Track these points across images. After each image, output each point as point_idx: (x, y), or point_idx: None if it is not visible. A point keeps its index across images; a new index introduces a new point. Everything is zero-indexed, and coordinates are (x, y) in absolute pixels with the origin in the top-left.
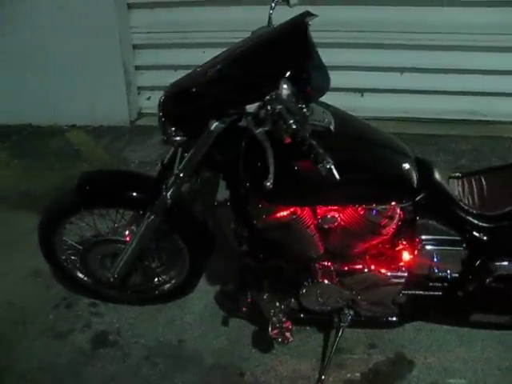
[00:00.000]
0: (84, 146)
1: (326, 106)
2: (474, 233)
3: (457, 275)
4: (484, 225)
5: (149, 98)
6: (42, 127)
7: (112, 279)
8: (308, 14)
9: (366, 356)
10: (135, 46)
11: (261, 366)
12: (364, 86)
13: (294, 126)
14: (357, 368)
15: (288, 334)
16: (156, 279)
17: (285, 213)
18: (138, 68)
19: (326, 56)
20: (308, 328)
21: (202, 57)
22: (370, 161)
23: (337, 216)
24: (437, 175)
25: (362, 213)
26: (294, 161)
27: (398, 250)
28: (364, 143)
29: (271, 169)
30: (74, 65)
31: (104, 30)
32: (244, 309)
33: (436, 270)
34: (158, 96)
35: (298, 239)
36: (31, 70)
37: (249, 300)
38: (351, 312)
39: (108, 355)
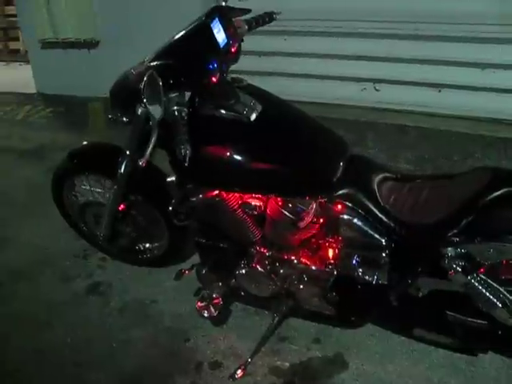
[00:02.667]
0: None
1: (265, 96)
2: (395, 240)
3: (381, 282)
4: (406, 233)
5: None
6: None
7: (101, 237)
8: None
9: (304, 349)
10: None
11: (206, 337)
12: (441, 81)
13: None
14: (289, 358)
15: (212, 309)
16: (140, 245)
17: (210, 195)
18: None
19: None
20: (267, 313)
21: (283, 44)
22: (285, 152)
23: (258, 204)
24: (368, 174)
25: (280, 204)
26: (208, 146)
27: (325, 247)
28: (286, 134)
29: (147, 150)
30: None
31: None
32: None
33: (360, 274)
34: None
35: (228, 222)
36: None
37: (183, 272)
38: (289, 302)
39: (92, 302)
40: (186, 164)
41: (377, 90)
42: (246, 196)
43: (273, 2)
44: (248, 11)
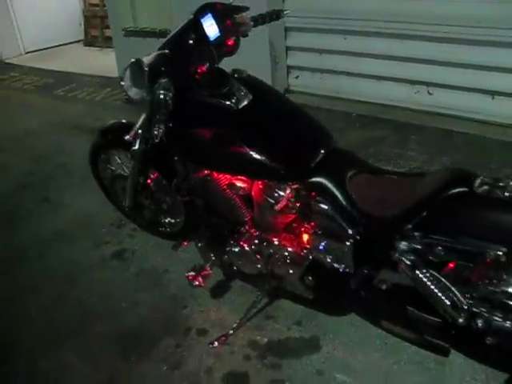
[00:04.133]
0: None
1: (260, 88)
2: (359, 231)
3: (348, 271)
4: (367, 224)
5: (297, 77)
6: None
7: (126, 208)
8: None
9: (285, 329)
10: (287, 29)
11: (201, 306)
12: (495, 87)
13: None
14: (269, 335)
15: (201, 280)
16: (161, 218)
17: (203, 174)
18: (289, 49)
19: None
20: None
21: (343, 43)
22: (265, 138)
23: (244, 186)
24: (344, 167)
25: (261, 187)
26: (196, 129)
27: (302, 232)
28: (269, 123)
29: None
30: None
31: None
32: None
33: (329, 260)
34: (306, 76)
35: (220, 200)
36: None
37: (181, 243)
38: (272, 282)
39: (115, 266)
40: (156, 141)
41: (430, 94)
42: (234, 177)
43: (335, 2)
44: (246, 9)
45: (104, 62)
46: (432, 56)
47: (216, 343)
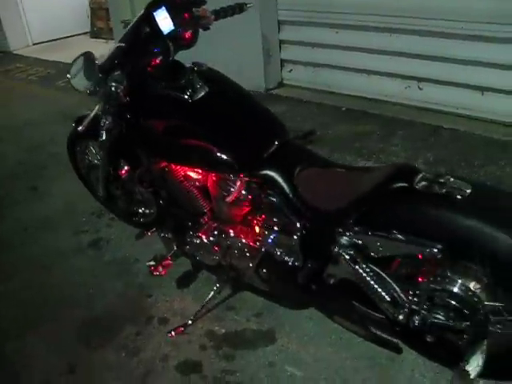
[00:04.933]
0: None
1: (218, 81)
2: (305, 224)
3: (296, 264)
4: (312, 218)
5: (290, 71)
6: None
7: (100, 196)
8: None
9: (244, 320)
10: (281, 22)
11: (166, 296)
12: (485, 84)
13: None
14: (227, 326)
15: (161, 269)
16: (134, 208)
17: (161, 165)
18: (282, 42)
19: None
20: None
21: (335, 37)
22: (215, 130)
23: (199, 177)
24: (295, 160)
25: (214, 178)
26: (150, 120)
27: (255, 225)
28: (222, 115)
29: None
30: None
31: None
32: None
33: (278, 253)
34: (299, 70)
35: (178, 191)
36: None
37: (145, 232)
38: (231, 274)
39: (90, 254)
40: (103, 132)
41: (420, 89)
42: (189, 169)
43: None
44: (203, 2)
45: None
46: (423, 51)
47: (173, 333)
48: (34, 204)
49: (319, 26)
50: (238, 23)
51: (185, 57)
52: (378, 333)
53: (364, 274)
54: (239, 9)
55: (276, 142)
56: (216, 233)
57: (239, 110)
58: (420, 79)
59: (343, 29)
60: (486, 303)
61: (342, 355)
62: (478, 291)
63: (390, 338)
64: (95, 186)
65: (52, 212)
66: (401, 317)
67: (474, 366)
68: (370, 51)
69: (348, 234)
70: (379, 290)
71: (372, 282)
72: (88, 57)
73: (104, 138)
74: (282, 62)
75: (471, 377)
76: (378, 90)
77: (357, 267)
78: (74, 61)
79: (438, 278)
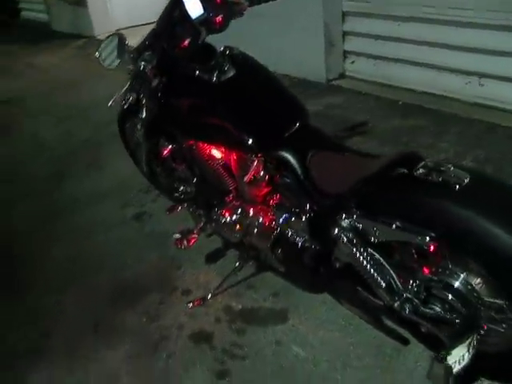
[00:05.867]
0: None
1: (247, 64)
2: (313, 206)
3: (306, 245)
4: (319, 201)
5: (353, 62)
6: None
7: (144, 172)
8: None
9: (261, 299)
10: (345, 13)
11: (194, 269)
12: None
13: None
14: (244, 302)
15: (185, 243)
16: (175, 185)
17: (189, 143)
18: (346, 33)
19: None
20: (251, 263)
21: (397, 29)
22: (238, 110)
23: (221, 156)
24: (311, 143)
25: (235, 157)
26: (179, 99)
27: (271, 205)
28: (245, 96)
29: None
30: (284, 25)
31: None
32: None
33: (290, 234)
34: (361, 62)
35: (205, 169)
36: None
37: (176, 207)
38: (251, 253)
39: (132, 226)
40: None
41: (481, 85)
42: (213, 147)
43: None
44: None
45: None
46: (486, 45)
47: (191, 304)
48: (90, 178)
49: (382, 17)
50: (301, 13)
51: (247, 44)
52: (381, 320)
53: (361, 258)
54: None
55: (295, 125)
56: (238, 211)
57: (262, 92)
58: (482, 75)
59: (405, 21)
60: (485, 299)
61: (348, 340)
62: (477, 286)
63: (391, 325)
64: (140, 162)
65: (104, 186)
66: (396, 304)
67: (457, 358)
68: (431, 44)
69: (349, 217)
70: (375, 274)
71: (369, 267)
72: (121, 37)
73: (144, 115)
74: (345, 53)
75: (454, 370)
76: (438, 84)
77: (354, 250)
78: (104, 41)
79: (439, 270)
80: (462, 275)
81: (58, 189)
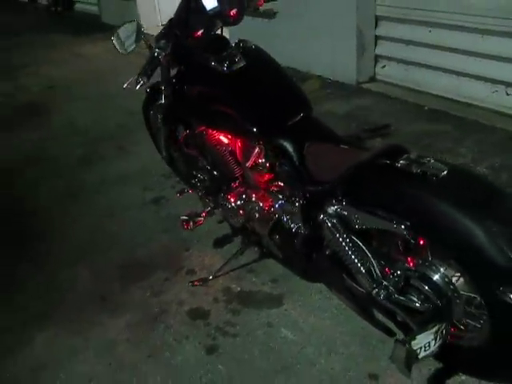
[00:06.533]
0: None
1: (258, 57)
2: (305, 193)
3: (300, 231)
4: (310, 188)
5: (383, 67)
6: (300, 72)
7: (163, 157)
8: None
9: (260, 283)
10: (378, 17)
11: (201, 251)
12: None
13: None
14: (243, 285)
15: (191, 225)
16: (193, 172)
17: (200, 128)
18: (379, 38)
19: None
20: (256, 249)
21: (428, 35)
22: (243, 100)
23: (228, 142)
24: (310, 134)
25: (239, 144)
26: (189, 86)
27: (271, 191)
28: (252, 87)
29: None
30: (320, 27)
31: (343, 2)
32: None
33: (285, 220)
34: (392, 66)
35: (213, 154)
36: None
37: (187, 191)
38: (253, 237)
39: (150, 209)
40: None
41: (508, 95)
42: (222, 134)
43: None
44: None
45: None
46: None
47: (194, 283)
48: (117, 162)
49: (414, 23)
50: (335, 15)
51: (285, 43)
52: (364, 308)
53: (343, 243)
54: None
55: (297, 116)
56: (242, 197)
57: (269, 83)
58: (509, 84)
59: (436, 27)
60: (462, 293)
61: (337, 329)
62: (455, 280)
63: (377, 315)
64: (161, 147)
65: (129, 170)
66: (374, 291)
67: (422, 345)
68: (461, 52)
69: (335, 204)
70: (356, 260)
71: (350, 252)
72: (138, 25)
73: (163, 101)
74: (377, 57)
75: (420, 356)
76: (465, 92)
77: (337, 235)
78: (121, 27)
79: (420, 262)
80: (441, 268)
81: (87, 170)
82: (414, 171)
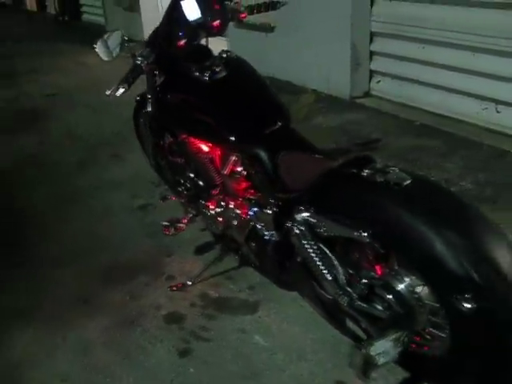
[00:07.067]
0: (302, 105)
1: (239, 67)
2: (277, 201)
3: (274, 239)
4: (282, 197)
5: (378, 82)
6: (296, 85)
7: (151, 165)
8: None
9: (237, 290)
10: (373, 33)
11: (182, 258)
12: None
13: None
14: (221, 292)
15: (172, 231)
16: (179, 179)
17: (182, 136)
18: (374, 53)
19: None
20: (236, 257)
21: (421, 52)
22: (221, 109)
23: (208, 150)
24: (286, 143)
25: (218, 152)
26: (170, 94)
27: (247, 200)
28: (230, 96)
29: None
30: (315, 41)
31: (338, 18)
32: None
33: (259, 228)
34: (386, 82)
35: (194, 162)
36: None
37: (170, 197)
38: (232, 245)
39: (137, 215)
40: (107, 93)
41: (498, 112)
42: (201, 142)
43: (418, 10)
44: None
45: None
46: (505, 73)
47: (172, 288)
48: (111, 168)
49: (408, 39)
50: (329, 31)
51: (281, 55)
52: (332, 315)
53: (310, 251)
54: (272, 6)
55: (274, 126)
56: (221, 205)
57: (248, 93)
58: (499, 102)
59: (429, 44)
60: (426, 302)
61: (308, 336)
62: (419, 289)
63: (347, 323)
64: (148, 155)
65: (123, 176)
66: (339, 298)
67: (380, 351)
68: (452, 69)
69: (303, 211)
70: (322, 267)
71: (316, 260)
72: (122, 34)
73: (148, 109)
74: (372, 72)
75: (379, 362)
76: (456, 108)
77: (304, 243)
78: (104, 35)
79: (387, 271)
80: (406, 277)
81: (81, 175)
82: (378, 180)
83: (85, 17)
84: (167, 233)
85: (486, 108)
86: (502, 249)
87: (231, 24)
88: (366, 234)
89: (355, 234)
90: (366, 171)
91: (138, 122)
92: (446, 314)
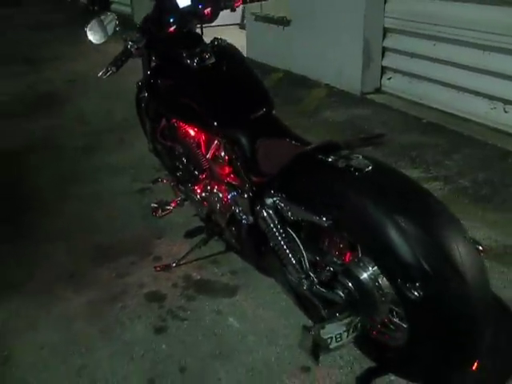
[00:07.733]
0: (312, 99)
1: (229, 55)
2: (251, 185)
3: (249, 223)
4: (255, 181)
5: (389, 79)
6: (310, 79)
7: (149, 149)
8: None
9: (220, 274)
10: (386, 29)
11: (172, 240)
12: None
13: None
14: (203, 274)
15: (160, 212)
16: (177, 163)
17: (172, 120)
18: (386, 49)
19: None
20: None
21: (432, 49)
22: (206, 94)
23: (195, 134)
24: (266, 130)
25: (203, 137)
26: (160, 79)
27: (229, 184)
28: (216, 82)
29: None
30: (331, 37)
31: (352, 13)
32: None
33: (237, 212)
34: (397, 78)
35: (183, 146)
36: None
37: (161, 180)
38: (216, 229)
39: (135, 197)
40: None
41: (505, 112)
42: (189, 127)
43: (431, 7)
44: None
45: (240, 43)
46: None
47: (157, 268)
48: (116, 153)
49: (419, 36)
50: (343, 26)
51: (296, 51)
52: (299, 299)
53: (277, 234)
54: None
55: (257, 112)
56: (207, 189)
57: (233, 80)
58: (507, 101)
59: (440, 41)
60: (386, 291)
61: (281, 322)
62: (380, 277)
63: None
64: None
65: (125, 161)
66: (301, 282)
67: (332, 335)
68: (462, 67)
69: (271, 195)
70: (287, 251)
71: (282, 243)
72: (114, 18)
73: (143, 94)
74: (384, 68)
75: (330, 346)
76: (464, 107)
77: (271, 226)
78: (96, 17)
79: (351, 258)
80: (368, 265)
81: (86, 159)
82: (340, 166)
83: (113, 7)
84: (155, 214)
85: (495, 108)
86: (455, 239)
87: (250, 17)
88: (324, 219)
89: (315, 218)
90: (331, 157)
91: (139, 106)
92: (401, 302)
